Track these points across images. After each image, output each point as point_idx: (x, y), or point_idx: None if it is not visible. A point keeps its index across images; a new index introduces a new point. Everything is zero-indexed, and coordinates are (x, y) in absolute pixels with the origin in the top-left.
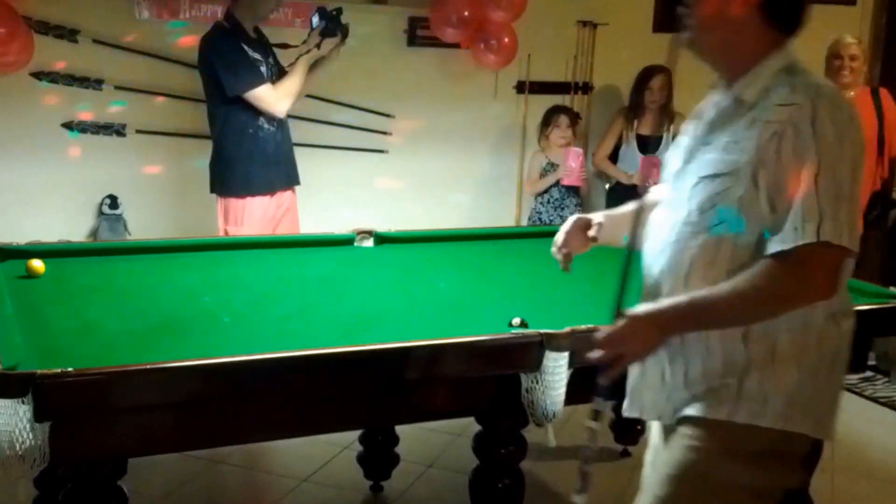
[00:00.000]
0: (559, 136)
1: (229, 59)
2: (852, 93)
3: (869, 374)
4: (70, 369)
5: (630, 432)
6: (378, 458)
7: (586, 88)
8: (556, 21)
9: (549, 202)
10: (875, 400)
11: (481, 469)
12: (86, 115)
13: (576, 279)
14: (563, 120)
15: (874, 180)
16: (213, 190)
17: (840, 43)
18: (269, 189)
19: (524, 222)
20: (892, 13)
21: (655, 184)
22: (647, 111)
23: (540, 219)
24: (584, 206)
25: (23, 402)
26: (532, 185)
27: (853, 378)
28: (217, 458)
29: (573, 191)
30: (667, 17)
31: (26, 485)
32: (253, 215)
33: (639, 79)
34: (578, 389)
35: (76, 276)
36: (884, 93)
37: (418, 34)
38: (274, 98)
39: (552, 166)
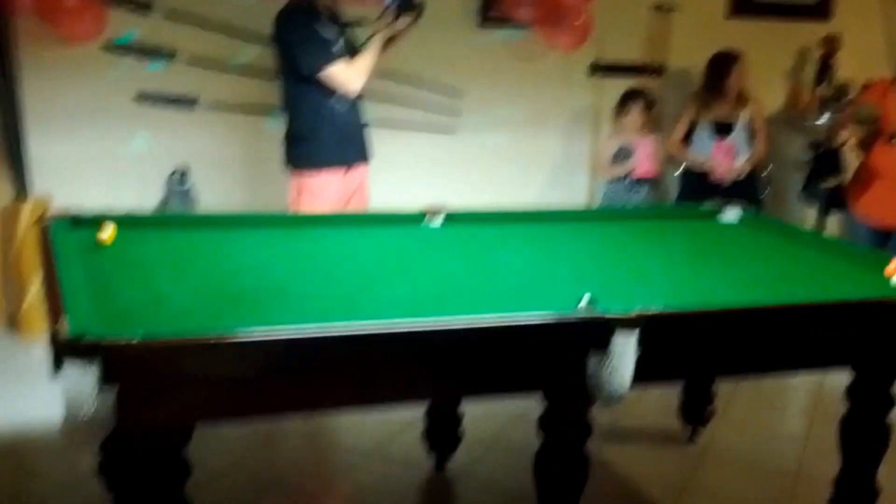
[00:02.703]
0: (633, 121)
1: (304, 36)
2: None
3: None
4: (137, 338)
5: (699, 416)
6: (442, 437)
7: (660, 72)
8: (631, 4)
9: (620, 185)
10: None
11: (545, 449)
12: (159, 88)
13: (647, 261)
14: (638, 105)
15: None
16: (286, 164)
17: None
18: (342, 163)
19: (596, 204)
20: None
21: (728, 169)
22: (721, 96)
23: (612, 201)
24: (657, 190)
25: (89, 369)
26: (604, 168)
27: None
28: (281, 431)
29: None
30: (740, 3)
31: (91, 451)
32: (326, 190)
33: (712, 63)
34: (646, 371)
35: (146, 247)
36: None
37: (491, 13)
38: (347, 77)
39: (625, 150)
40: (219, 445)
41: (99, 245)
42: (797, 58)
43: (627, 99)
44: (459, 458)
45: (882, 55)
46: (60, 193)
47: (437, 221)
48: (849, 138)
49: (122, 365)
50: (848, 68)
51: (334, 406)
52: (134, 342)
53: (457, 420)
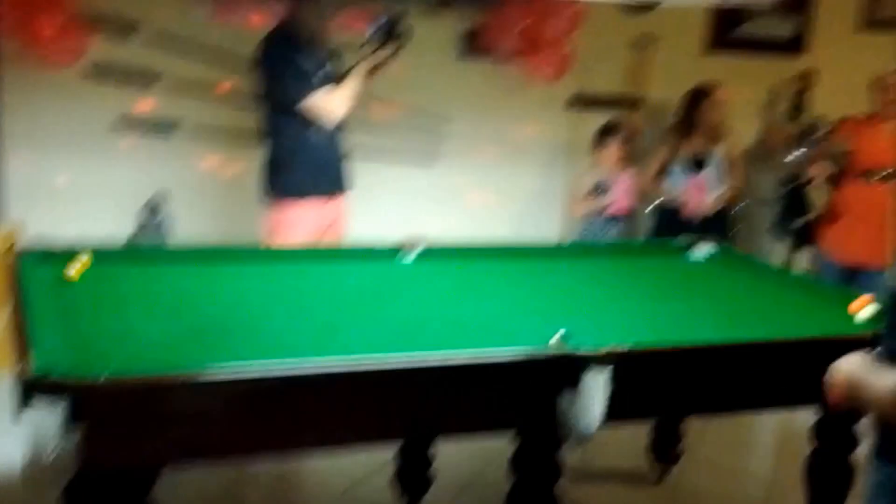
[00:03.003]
0: (611, 156)
1: (281, 68)
2: None
3: None
4: (104, 376)
5: (668, 455)
6: (412, 478)
7: (638, 105)
8: (611, 37)
9: (596, 221)
10: None
11: (516, 491)
12: (137, 114)
13: (619, 298)
14: (616, 140)
15: None
16: (264, 193)
17: (886, 72)
18: (319, 194)
19: (571, 239)
20: None
21: (701, 205)
22: (696, 131)
23: (588, 237)
24: (631, 226)
25: (55, 408)
26: (578, 204)
27: None
28: (250, 474)
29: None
30: (718, 38)
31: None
32: (302, 220)
33: (688, 98)
34: (617, 409)
35: (117, 280)
36: None
37: (473, 45)
38: (328, 107)
39: (602, 185)
40: (186, 489)
41: (69, 280)
42: (771, 93)
43: (605, 133)
44: (431, 500)
45: (857, 91)
46: (35, 220)
47: (413, 255)
48: (818, 175)
49: (89, 404)
50: (823, 104)
51: (305, 447)
52: (101, 381)
53: (428, 461)
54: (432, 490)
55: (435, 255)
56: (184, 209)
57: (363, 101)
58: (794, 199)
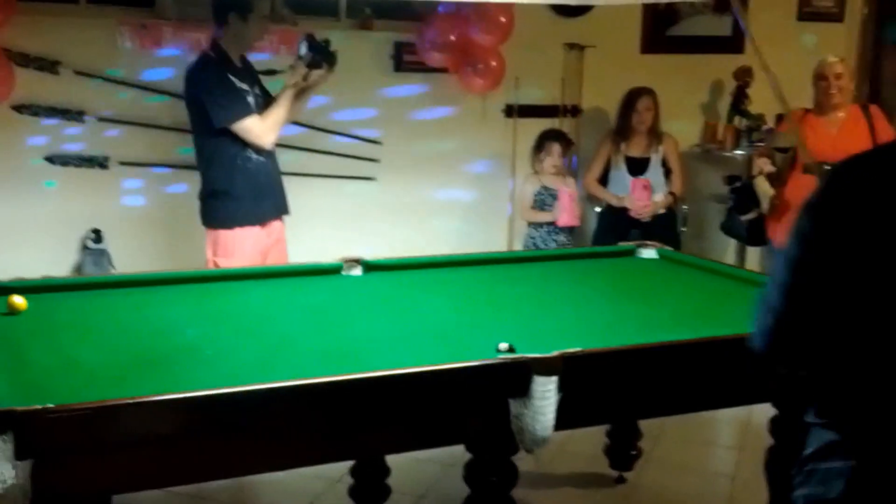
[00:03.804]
0: (552, 164)
1: (216, 90)
2: (842, 113)
3: None
4: (51, 405)
5: (625, 458)
6: (369, 491)
7: (575, 111)
8: (544, 44)
9: (541, 228)
10: None
11: (472, 498)
12: (69, 148)
13: (567, 303)
14: (557, 147)
15: None
16: (203, 222)
17: (824, 63)
18: (259, 220)
19: (516, 247)
20: (879, 29)
21: (646, 206)
22: (635, 133)
23: (534, 244)
24: (577, 231)
25: (3, 441)
26: (526, 212)
27: None
28: (203, 495)
29: None
30: (653, 39)
31: None
32: (243, 246)
33: (625, 101)
34: (569, 415)
35: (59, 312)
36: (874, 109)
37: (405, 59)
38: (261, 130)
39: (546, 191)
40: None
41: (10, 314)
42: (712, 91)
43: (546, 139)
44: None
45: (794, 87)
46: None
47: (356, 271)
48: (763, 169)
49: (36, 434)
50: (760, 100)
51: (255, 470)
52: (47, 410)
53: (384, 473)
54: (389, 501)
55: (379, 270)
56: (120, 241)
57: (300, 121)
58: (741, 196)
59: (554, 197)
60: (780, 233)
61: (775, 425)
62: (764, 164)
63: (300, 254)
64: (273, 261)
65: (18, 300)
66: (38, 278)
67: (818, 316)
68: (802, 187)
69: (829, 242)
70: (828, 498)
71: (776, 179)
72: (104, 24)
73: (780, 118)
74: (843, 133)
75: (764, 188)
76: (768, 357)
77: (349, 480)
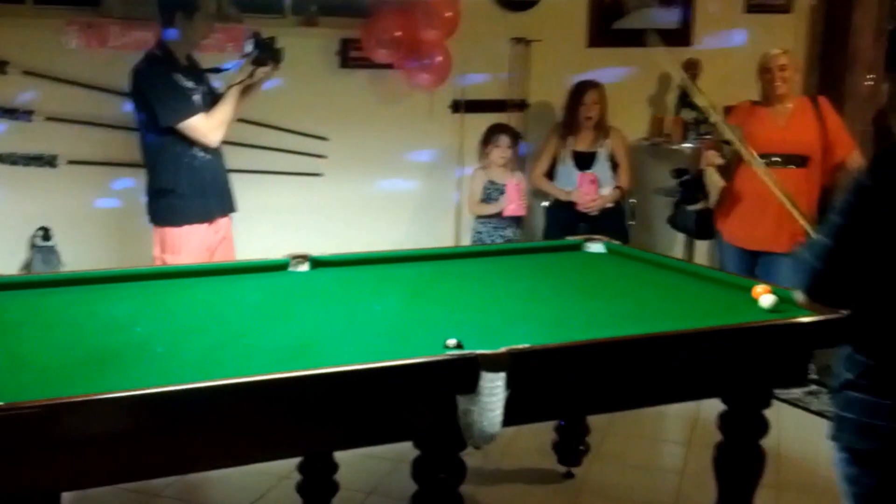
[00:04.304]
0: (500, 156)
1: (161, 89)
2: (790, 104)
3: (813, 387)
4: (0, 403)
5: (573, 453)
6: (317, 487)
7: (522, 106)
8: (490, 39)
9: (489, 222)
10: (820, 414)
11: (420, 495)
12: (17, 148)
13: (513, 299)
14: (504, 140)
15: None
16: (150, 219)
17: (767, 56)
18: (206, 218)
19: (464, 242)
20: (829, 20)
21: (594, 200)
22: (582, 127)
23: (481, 239)
24: (524, 225)
25: None
26: (474, 206)
27: (796, 392)
28: (153, 492)
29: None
30: (600, 32)
31: None
32: (190, 244)
33: (571, 94)
34: (517, 411)
35: (8, 310)
36: (822, 101)
37: (351, 55)
38: (207, 128)
39: (493, 185)
40: None
41: None
42: (659, 84)
43: (494, 132)
44: None
45: (740, 79)
46: None
47: (304, 267)
48: (713, 161)
49: None
50: (707, 92)
51: (202, 466)
52: None
53: (332, 468)
54: (337, 497)
55: (326, 266)
56: (69, 239)
57: (246, 118)
58: (689, 189)
59: (501, 191)
60: (729, 225)
61: (724, 421)
62: (713, 157)
63: (248, 251)
64: (220, 258)
65: None
66: None
67: (855, 272)
68: (751, 178)
69: (871, 215)
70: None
71: (725, 171)
72: (51, 23)
73: (727, 110)
74: (792, 124)
75: (714, 180)
76: (814, 299)
77: (297, 476)
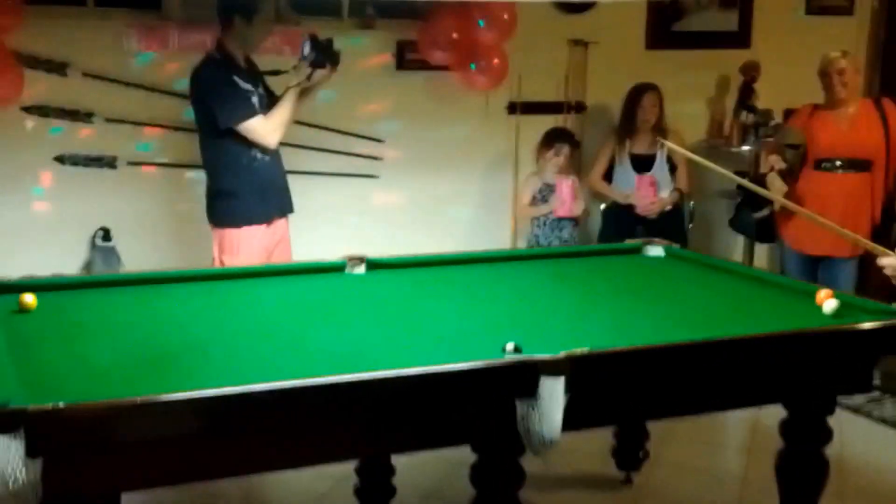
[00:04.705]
0: (557, 164)
1: (221, 91)
2: (852, 107)
3: (876, 394)
4: (62, 404)
5: (632, 459)
6: (374, 490)
7: (579, 108)
8: (547, 41)
9: (545, 224)
10: (884, 421)
11: (478, 500)
12: (78, 149)
13: (573, 302)
14: (566, 150)
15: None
16: (209, 221)
17: (827, 59)
18: (264, 219)
19: (520, 244)
20: (890, 22)
21: (652, 203)
22: (640, 129)
23: (538, 241)
24: (581, 228)
25: (14, 439)
26: (523, 209)
27: (860, 399)
28: (210, 492)
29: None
30: (658, 35)
31: None
32: (248, 245)
33: (629, 97)
34: (576, 416)
35: (69, 310)
36: (886, 102)
37: (407, 57)
38: (266, 130)
39: (548, 186)
40: None
41: (21, 312)
42: (718, 86)
43: (555, 138)
44: None
45: (801, 82)
46: None
47: (360, 269)
48: (774, 166)
49: (48, 432)
50: (768, 96)
51: (262, 469)
52: (58, 409)
53: (389, 472)
54: (395, 500)
55: (382, 268)
56: (129, 240)
57: (303, 120)
58: (751, 193)
59: (552, 191)
60: (791, 230)
61: (787, 427)
62: (775, 161)
63: (304, 252)
64: (277, 259)
65: (28, 298)
66: (48, 276)
67: None
68: (813, 183)
69: None
70: None
71: (787, 176)
72: (111, 26)
73: (788, 113)
74: (855, 127)
75: (776, 184)
76: None
77: (354, 479)
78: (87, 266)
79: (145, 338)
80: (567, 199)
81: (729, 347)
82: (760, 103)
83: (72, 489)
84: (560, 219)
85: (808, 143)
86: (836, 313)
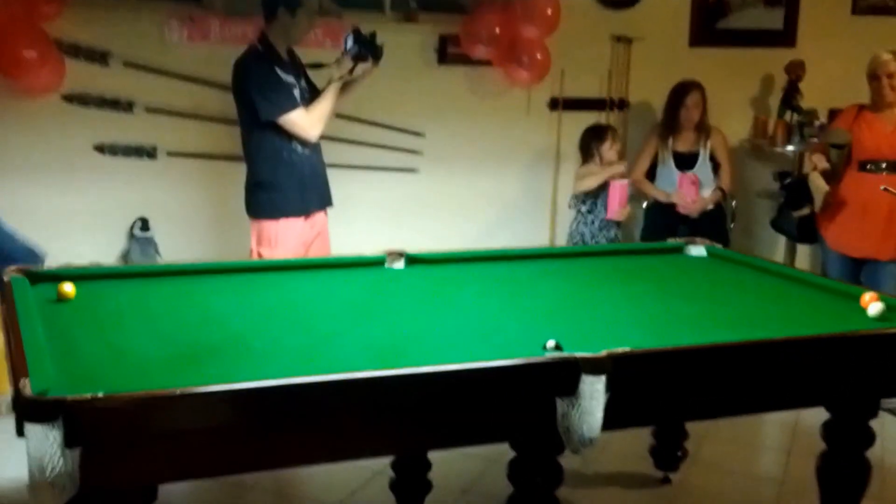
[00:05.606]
0: (616, 151)
1: (263, 83)
2: None
3: None
4: (100, 394)
5: (671, 458)
6: (411, 485)
7: (622, 105)
8: (590, 37)
9: (594, 223)
10: None
11: (516, 497)
12: (118, 138)
13: (612, 301)
14: (616, 135)
15: None
16: (248, 212)
17: (876, 61)
18: (303, 212)
19: (558, 242)
20: None
21: (694, 202)
22: (683, 127)
23: (583, 239)
24: (625, 226)
25: (53, 428)
26: (580, 181)
27: None
28: (246, 485)
29: None
30: (702, 32)
31: None
32: (286, 238)
33: (672, 95)
34: (616, 415)
35: (107, 300)
36: None
37: (449, 52)
38: (307, 123)
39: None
40: (188, 497)
41: (60, 301)
42: (762, 85)
43: (603, 129)
44: None
45: (848, 82)
46: None
47: (399, 264)
48: (818, 165)
49: (86, 422)
50: (812, 95)
51: (298, 462)
52: (96, 399)
53: (426, 467)
54: (431, 495)
55: (422, 263)
56: (167, 230)
57: (344, 114)
58: (794, 192)
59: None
60: (833, 231)
61: (828, 430)
62: (819, 161)
63: (342, 246)
64: (316, 253)
65: (68, 288)
66: (87, 265)
67: None
68: (857, 184)
69: None
70: None
71: (831, 176)
72: (153, 16)
73: (833, 113)
74: None
75: (818, 184)
76: None
77: (390, 473)
78: (125, 255)
79: (183, 329)
80: (616, 202)
81: (772, 349)
82: (805, 103)
83: (109, 479)
84: (609, 220)
85: (853, 145)
86: (882, 316)
